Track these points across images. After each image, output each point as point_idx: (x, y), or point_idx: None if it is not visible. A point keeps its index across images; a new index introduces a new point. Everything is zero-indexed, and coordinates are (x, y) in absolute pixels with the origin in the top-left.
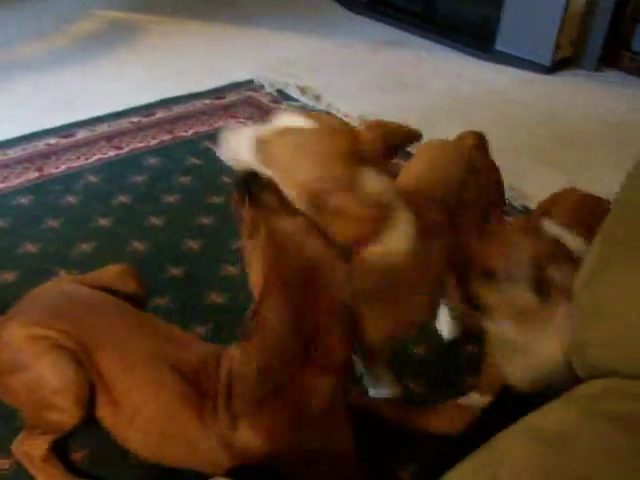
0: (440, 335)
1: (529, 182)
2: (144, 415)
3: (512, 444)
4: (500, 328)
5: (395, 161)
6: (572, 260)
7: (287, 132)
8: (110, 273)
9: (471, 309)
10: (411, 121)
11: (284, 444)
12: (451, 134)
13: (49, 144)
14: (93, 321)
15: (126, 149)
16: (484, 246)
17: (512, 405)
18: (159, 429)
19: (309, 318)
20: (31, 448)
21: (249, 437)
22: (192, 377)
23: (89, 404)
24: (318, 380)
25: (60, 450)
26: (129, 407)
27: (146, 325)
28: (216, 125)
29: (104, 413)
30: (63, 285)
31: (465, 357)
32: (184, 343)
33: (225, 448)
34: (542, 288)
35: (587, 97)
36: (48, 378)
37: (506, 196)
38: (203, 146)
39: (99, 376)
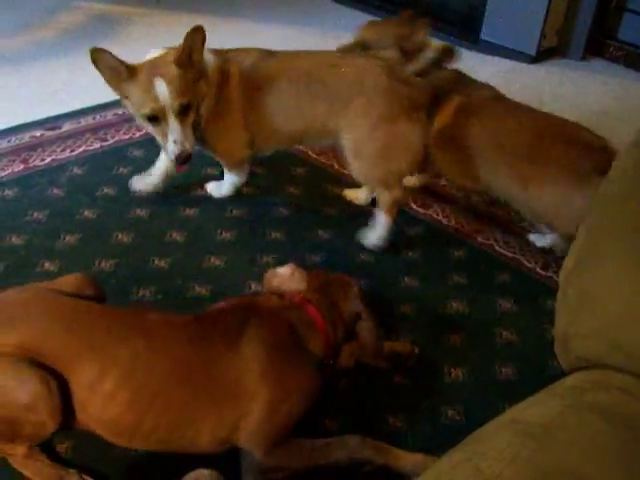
0: None
1: None
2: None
3: (495, 437)
4: None
5: None
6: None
7: None
8: (69, 281)
9: None
10: None
11: None
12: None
13: (34, 136)
14: (65, 326)
15: (111, 141)
16: None
17: (494, 397)
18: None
19: None
20: (11, 451)
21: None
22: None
23: (66, 410)
24: None
25: (44, 442)
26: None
27: (121, 319)
28: None
29: (88, 415)
30: (27, 291)
31: None
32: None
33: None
34: None
35: (573, 86)
36: (16, 396)
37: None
38: None
39: (77, 379)
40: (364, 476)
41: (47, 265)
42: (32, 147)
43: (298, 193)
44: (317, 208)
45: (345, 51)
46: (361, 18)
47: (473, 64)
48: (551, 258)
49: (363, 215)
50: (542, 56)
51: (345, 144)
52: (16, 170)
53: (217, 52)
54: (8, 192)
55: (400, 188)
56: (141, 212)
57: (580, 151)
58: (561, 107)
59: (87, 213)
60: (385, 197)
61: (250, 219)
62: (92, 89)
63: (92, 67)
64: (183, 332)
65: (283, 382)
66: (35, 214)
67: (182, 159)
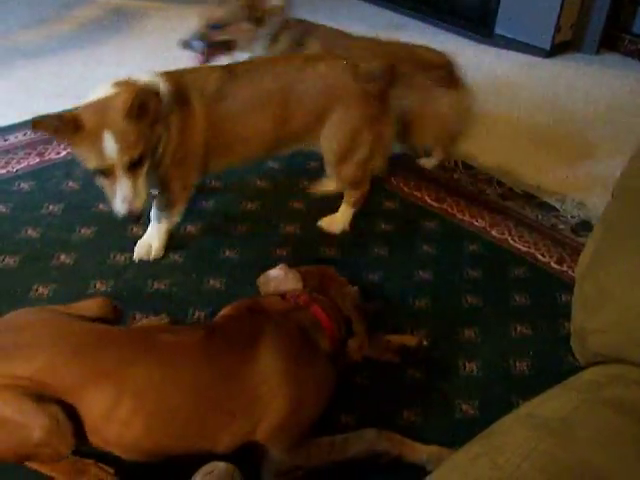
0: None
1: (530, 167)
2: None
3: (512, 431)
4: None
5: None
6: None
7: None
8: (88, 306)
9: None
10: None
11: None
12: None
13: None
14: (75, 354)
15: None
16: None
17: (509, 392)
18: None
19: None
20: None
21: None
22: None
23: (80, 436)
24: None
25: None
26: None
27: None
28: None
29: (104, 440)
30: (38, 314)
31: None
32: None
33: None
34: None
35: (587, 80)
36: (27, 434)
37: (505, 181)
38: None
39: (90, 408)
40: (379, 468)
41: (63, 257)
42: (48, 140)
43: (307, 185)
44: (332, 202)
45: (199, 32)
46: (376, 12)
47: (487, 59)
48: (566, 252)
49: (381, 212)
50: (556, 50)
51: (325, 155)
52: (32, 163)
53: (170, 77)
54: (24, 185)
55: (369, 182)
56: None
57: (424, 68)
58: (575, 101)
59: (102, 206)
60: (356, 193)
61: (264, 212)
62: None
63: (108, 60)
64: (196, 352)
65: (301, 385)
66: (51, 207)
67: (131, 218)
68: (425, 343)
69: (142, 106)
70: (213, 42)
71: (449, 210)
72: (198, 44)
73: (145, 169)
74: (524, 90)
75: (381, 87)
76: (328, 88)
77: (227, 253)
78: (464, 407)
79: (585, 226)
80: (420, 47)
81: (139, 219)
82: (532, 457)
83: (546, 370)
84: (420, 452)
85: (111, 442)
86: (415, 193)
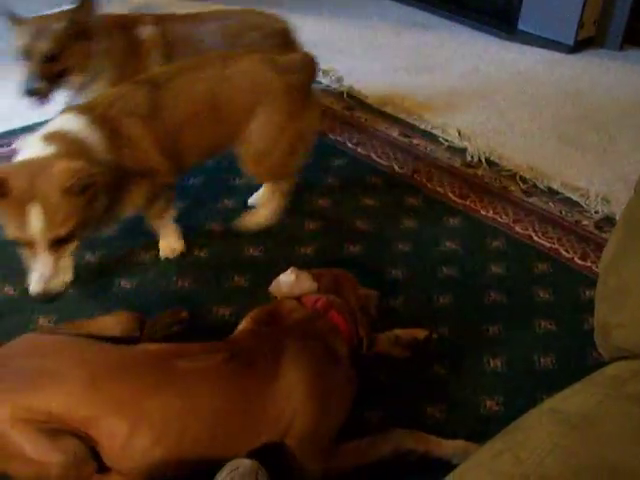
0: None
1: (554, 163)
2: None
3: (535, 426)
4: None
5: None
6: None
7: None
8: (110, 324)
9: None
10: (435, 103)
11: None
12: (475, 115)
13: None
14: (92, 385)
15: None
16: None
17: (533, 388)
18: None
19: None
20: None
21: None
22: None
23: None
24: None
25: None
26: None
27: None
28: None
29: (124, 467)
30: (59, 340)
31: None
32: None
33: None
34: None
35: (611, 76)
36: (45, 471)
37: (528, 177)
38: None
39: (108, 439)
40: (405, 465)
41: (88, 257)
42: None
43: (337, 184)
44: (355, 199)
45: (34, 73)
46: (399, 9)
47: (511, 55)
48: (590, 248)
49: (404, 208)
50: (580, 46)
51: (246, 152)
52: None
53: (98, 116)
54: None
55: (295, 176)
56: (181, 205)
57: (263, 35)
58: (599, 97)
59: None
60: (283, 186)
61: (287, 209)
62: None
63: None
64: (215, 379)
65: (324, 397)
66: None
67: (44, 299)
68: (435, 335)
69: (85, 185)
70: (52, 76)
71: (473, 206)
72: (40, 84)
73: (74, 246)
74: (547, 86)
75: (303, 79)
76: (254, 84)
77: (251, 251)
78: (488, 403)
79: (609, 222)
80: (259, 14)
81: (53, 301)
82: (555, 452)
83: (570, 366)
84: (446, 447)
85: (131, 469)
86: (438, 189)
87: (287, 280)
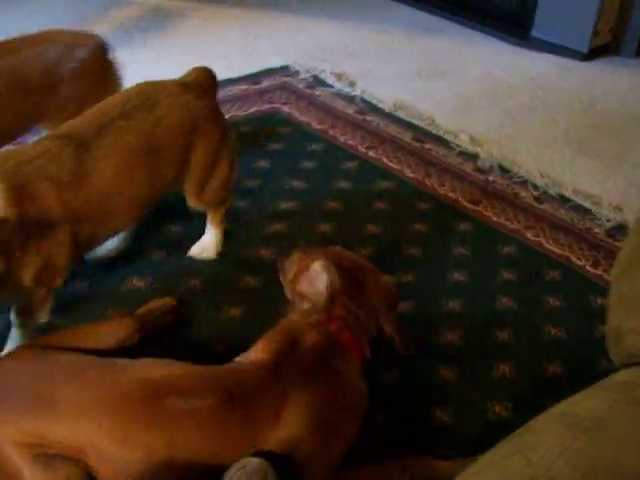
0: None
1: (566, 170)
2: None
3: (545, 429)
4: None
5: None
6: None
7: None
8: (112, 330)
9: None
10: (447, 108)
11: None
12: (487, 121)
13: None
14: (87, 416)
15: None
16: None
17: (541, 394)
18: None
19: None
20: None
21: None
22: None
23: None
24: None
25: None
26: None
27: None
28: (251, 110)
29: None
30: (52, 358)
31: None
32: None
33: None
34: None
35: (626, 84)
36: None
37: (540, 184)
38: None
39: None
40: None
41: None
42: None
43: (348, 188)
44: (366, 202)
45: None
46: (413, 14)
47: (524, 61)
48: (601, 256)
49: (415, 213)
50: (594, 54)
51: (196, 181)
52: None
53: (12, 194)
54: None
55: (232, 197)
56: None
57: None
58: (613, 105)
59: None
60: (221, 211)
61: (299, 211)
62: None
63: (144, 60)
64: (209, 422)
65: (331, 431)
66: None
67: None
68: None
69: None
70: None
71: (484, 212)
72: None
73: None
74: (560, 93)
75: (213, 97)
76: (184, 119)
77: (262, 252)
78: (497, 409)
79: (621, 229)
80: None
81: None
82: (565, 455)
83: (579, 373)
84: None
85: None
86: (450, 194)
87: (318, 270)
